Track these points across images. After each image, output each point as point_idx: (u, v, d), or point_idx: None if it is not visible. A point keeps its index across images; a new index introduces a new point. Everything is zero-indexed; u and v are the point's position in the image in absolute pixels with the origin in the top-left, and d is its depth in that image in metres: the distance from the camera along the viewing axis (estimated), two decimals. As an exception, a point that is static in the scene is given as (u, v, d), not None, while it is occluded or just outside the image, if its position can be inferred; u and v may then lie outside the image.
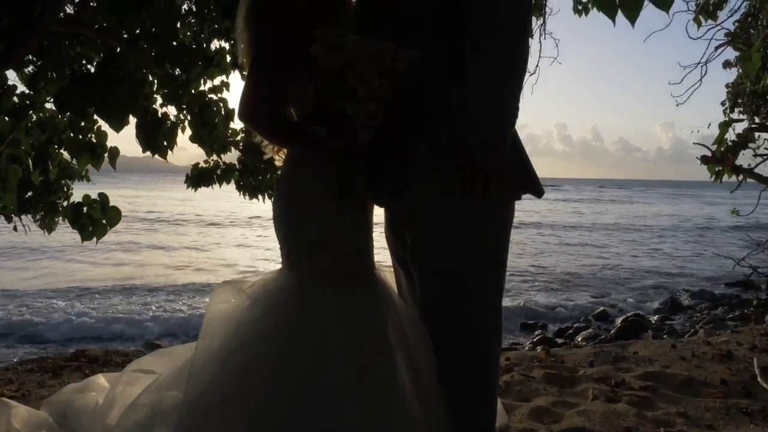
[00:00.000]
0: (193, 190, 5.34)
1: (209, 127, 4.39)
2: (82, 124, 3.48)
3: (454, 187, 1.62)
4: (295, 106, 1.83)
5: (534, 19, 5.38)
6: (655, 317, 10.17)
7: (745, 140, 3.21)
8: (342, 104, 1.53)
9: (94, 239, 3.65)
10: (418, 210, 1.76)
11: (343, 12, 1.88)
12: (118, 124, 3.40)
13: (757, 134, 3.19)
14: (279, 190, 1.89)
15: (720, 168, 3.12)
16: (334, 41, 1.50)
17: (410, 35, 1.65)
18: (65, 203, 4.98)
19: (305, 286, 1.81)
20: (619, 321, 9.93)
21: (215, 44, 4.35)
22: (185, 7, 4.06)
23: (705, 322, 9.34)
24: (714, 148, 3.23)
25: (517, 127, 1.72)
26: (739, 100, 10.74)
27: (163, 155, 3.49)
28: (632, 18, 2.71)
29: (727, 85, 11.52)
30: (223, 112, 4.66)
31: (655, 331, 8.47)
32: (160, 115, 3.47)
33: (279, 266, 1.91)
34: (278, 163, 2.02)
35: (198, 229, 23.70)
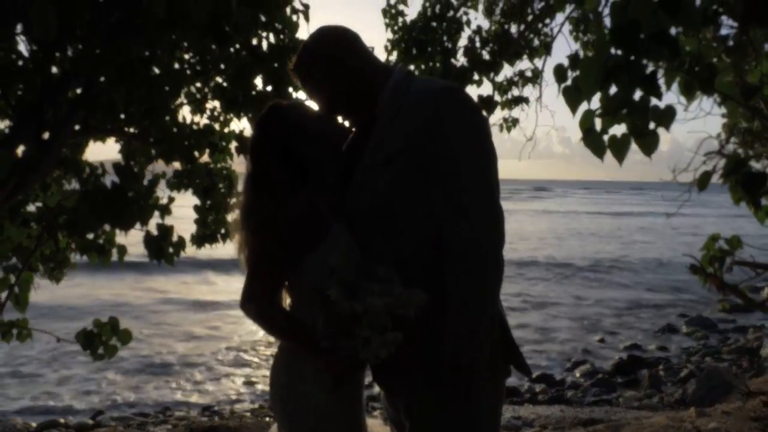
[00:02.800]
0: (197, 248, 5.44)
1: (215, 210, 4.49)
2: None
3: (446, 399, 1.75)
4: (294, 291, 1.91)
5: (531, 87, 5.49)
6: (653, 345, 10.33)
7: (731, 253, 3.35)
8: (354, 348, 1.61)
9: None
10: (416, 407, 1.87)
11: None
12: (126, 229, 3.52)
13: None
14: (276, 379, 1.91)
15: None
16: (353, 289, 1.57)
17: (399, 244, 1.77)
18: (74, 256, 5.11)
19: None
20: (619, 348, 10.16)
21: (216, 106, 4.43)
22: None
23: (701, 354, 9.50)
24: (702, 254, 3.39)
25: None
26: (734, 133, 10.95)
27: (170, 262, 3.59)
28: (620, 158, 2.81)
29: (723, 115, 11.67)
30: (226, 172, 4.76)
31: (651, 368, 8.61)
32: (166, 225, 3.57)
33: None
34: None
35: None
